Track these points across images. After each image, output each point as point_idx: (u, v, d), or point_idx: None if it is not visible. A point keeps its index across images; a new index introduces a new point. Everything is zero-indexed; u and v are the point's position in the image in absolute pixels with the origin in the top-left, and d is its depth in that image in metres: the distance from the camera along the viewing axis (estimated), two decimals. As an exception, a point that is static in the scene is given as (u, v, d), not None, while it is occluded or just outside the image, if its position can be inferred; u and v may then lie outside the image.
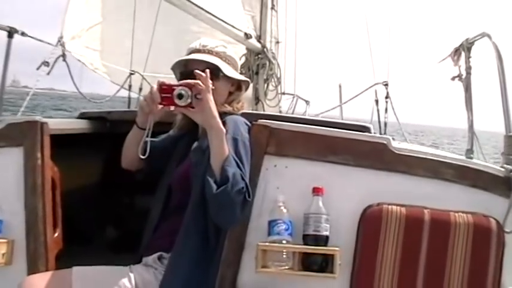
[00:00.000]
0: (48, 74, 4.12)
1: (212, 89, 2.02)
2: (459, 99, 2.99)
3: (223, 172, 1.94)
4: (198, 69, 2.06)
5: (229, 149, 2.01)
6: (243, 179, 1.96)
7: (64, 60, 4.32)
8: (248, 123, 2.19)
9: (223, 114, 2.15)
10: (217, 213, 2.00)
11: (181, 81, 2.00)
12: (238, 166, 1.98)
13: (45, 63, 4.07)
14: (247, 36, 4.04)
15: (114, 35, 5.45)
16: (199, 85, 1.95)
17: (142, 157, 2.15)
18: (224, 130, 2.01)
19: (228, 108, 2.24)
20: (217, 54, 2.26)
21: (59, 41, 4.31)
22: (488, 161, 2.64)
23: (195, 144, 2.24)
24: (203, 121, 2.03)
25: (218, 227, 2.06)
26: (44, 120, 2.36)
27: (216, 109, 2.04)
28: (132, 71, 5.08)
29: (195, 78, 1.98)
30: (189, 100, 1.96)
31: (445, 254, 2.00)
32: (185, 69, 2.22)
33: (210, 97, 1.99)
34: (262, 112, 3.76)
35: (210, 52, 2.25)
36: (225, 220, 2.02)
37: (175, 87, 1.96)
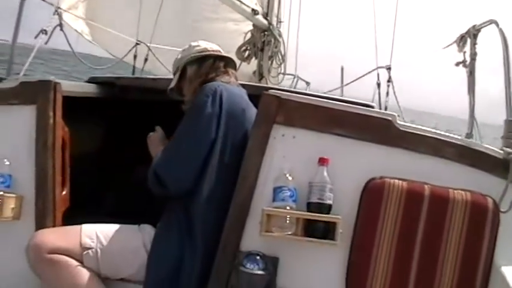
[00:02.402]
0: (46, 43, 4.16)
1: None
2: (461, 87, 3.05)
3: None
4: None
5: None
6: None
7: (61, 29, 4.37)
8: (221, 86, 2.28)
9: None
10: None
11: None
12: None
13: (43, 32, 4.11)
14: (255, 12, 4.07)
15: (111, 7, 5.49)
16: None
17: None
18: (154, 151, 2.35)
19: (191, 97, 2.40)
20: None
21: (56, 10, 4.32)
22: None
23: None
24: None
25: None
26: (57, 80, 2.41)
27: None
28: (138, 41, 5.12)
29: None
30: None
31: (441, 229, 2.07)
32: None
33: (149, 141, 2.45)
34: (268, 85, 3.79)
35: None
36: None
37: None
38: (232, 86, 2.36)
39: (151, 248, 2.17)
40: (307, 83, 6.74)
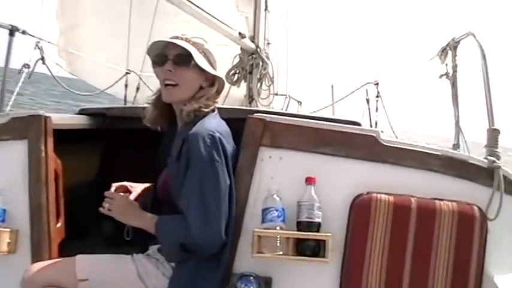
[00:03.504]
0: (29, 77, 4.19)
1: (181, 80, 2.16)
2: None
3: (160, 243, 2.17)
4: (170, 54, 2.15)
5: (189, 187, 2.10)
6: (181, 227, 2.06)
7: (44, 63, 4.41)
8: (215, 131, 2.12)
9: (191, 114, 2.18)
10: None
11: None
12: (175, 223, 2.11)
13: (26, 66, 4.14)
14: (241, 35, 4.13)
15: (93, 39, 5.58)
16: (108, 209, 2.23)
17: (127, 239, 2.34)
18: (138, 221, 2.23)
19: (195, 106, 2.18)
20: (194, 44, 2.20)
21: (36, 45, 4.34)
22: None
23: (172, 150, 2.23)
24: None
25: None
26: (47, 114, 2.45)
27: (184, 106, 2.18)
28: (128, 70, 5.18)
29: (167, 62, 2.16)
30: None
31: (430, 240, 2.11)
32: (158, 52, 2.21)
33: (115, 214, 2.22)
34: (254, 108, 3.85)
35: (187, 40, 2.20)
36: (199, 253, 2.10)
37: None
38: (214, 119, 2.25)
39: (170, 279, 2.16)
40: (299, 102, 6.82)
